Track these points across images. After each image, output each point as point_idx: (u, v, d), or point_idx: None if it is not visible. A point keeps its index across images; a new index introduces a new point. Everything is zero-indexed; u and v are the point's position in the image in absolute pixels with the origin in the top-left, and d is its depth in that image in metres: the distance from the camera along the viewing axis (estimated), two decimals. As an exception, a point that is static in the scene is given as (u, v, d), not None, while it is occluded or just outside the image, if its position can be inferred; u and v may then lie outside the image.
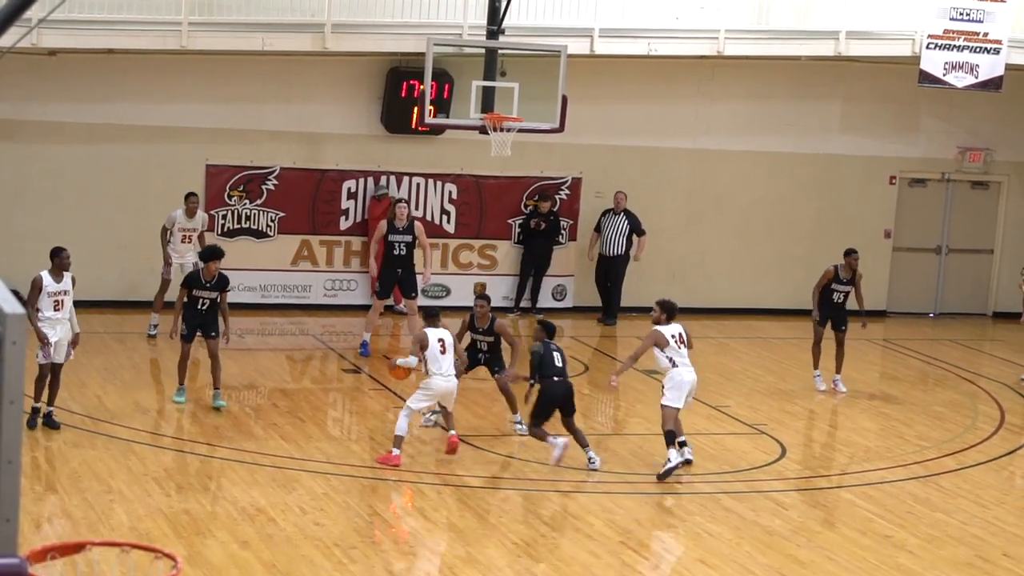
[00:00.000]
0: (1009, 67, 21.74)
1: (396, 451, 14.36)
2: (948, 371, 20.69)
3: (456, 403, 14.78)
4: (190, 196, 19.50)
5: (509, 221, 22.69)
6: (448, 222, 22.44)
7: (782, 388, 18.73)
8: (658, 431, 14.60)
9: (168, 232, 19.33)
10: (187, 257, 19.38)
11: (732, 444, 16.03)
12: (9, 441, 4.95)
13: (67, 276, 14.70)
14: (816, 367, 18.70)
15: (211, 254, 16.24)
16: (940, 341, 22.81)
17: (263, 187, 21.59)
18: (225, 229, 21.43)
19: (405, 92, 21.29)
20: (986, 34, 21.58)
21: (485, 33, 19.44)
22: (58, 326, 14.62)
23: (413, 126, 21.14)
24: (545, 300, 22.85)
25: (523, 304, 22.61)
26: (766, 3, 22.11)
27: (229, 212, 21.49)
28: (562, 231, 22.72)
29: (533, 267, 22.60)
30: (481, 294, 17.52)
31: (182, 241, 19.37)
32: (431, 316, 14.80)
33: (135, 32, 19.73)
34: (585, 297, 22.91)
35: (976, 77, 21.71)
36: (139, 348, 19.02)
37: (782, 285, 23.17)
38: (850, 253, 18.69)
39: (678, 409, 14.42)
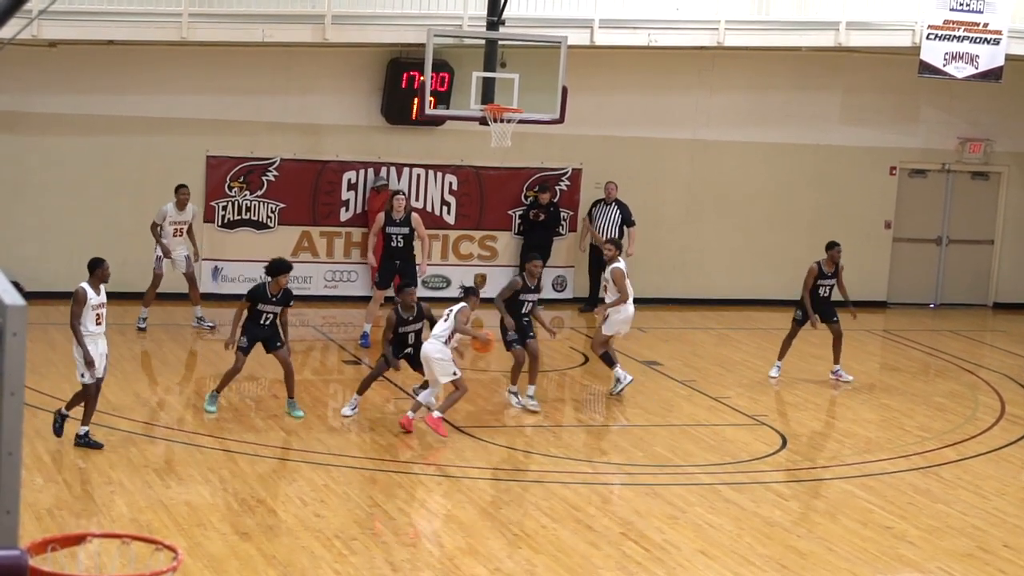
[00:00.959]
0: (1009, 57, 21.73)
1: (437, 414, 15.03)
2: (949, 362, 20.69)
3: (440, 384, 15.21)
4: (180, 188, 19.40)
5: (509, 212, 22.68)
6: (448, 213, 22.44)
7: (782, 379, 18.72)
8: (659, 422, 14.64)
9: (159, 227, 19.24)
10: (178, 251, 19.29)
11: (732, 435, 16.04)
12: (10, 433, 4.94)
13: (103, 288, 14.04)
14: (780, 359, 18.76)
15: (279, 268, 15.38)
16: (940, 332, 22.81)
17: (263, 178, 21.58)
18: (225, 220, 21.44)
19: (405, 83, 21.29)
20: (986, 24, 21.57)
21: (485, 24, 19.46)
22: (99, 340, 13.99)
23: (413, 117, 21.15)
24: (546, 291, 22.75)
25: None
26: (766, -7, 22.16)
27: (229, 203, 21.49)
28: (562, 222, 22.71)
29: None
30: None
31: (174, 235, 19.27)
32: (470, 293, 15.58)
33: (136, 23, 19.73)
34: (586, 288, 22.89)
35: (976, 68, 21.70)
36: (139, 340, 19.03)
37: (782, 276, 23.15)
38: (832, 246, 18.68)
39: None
